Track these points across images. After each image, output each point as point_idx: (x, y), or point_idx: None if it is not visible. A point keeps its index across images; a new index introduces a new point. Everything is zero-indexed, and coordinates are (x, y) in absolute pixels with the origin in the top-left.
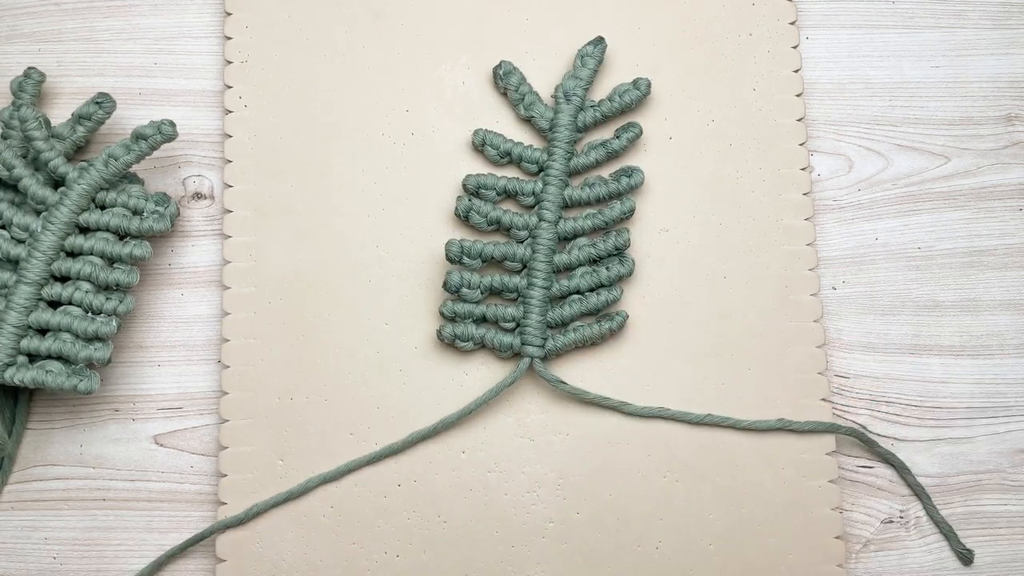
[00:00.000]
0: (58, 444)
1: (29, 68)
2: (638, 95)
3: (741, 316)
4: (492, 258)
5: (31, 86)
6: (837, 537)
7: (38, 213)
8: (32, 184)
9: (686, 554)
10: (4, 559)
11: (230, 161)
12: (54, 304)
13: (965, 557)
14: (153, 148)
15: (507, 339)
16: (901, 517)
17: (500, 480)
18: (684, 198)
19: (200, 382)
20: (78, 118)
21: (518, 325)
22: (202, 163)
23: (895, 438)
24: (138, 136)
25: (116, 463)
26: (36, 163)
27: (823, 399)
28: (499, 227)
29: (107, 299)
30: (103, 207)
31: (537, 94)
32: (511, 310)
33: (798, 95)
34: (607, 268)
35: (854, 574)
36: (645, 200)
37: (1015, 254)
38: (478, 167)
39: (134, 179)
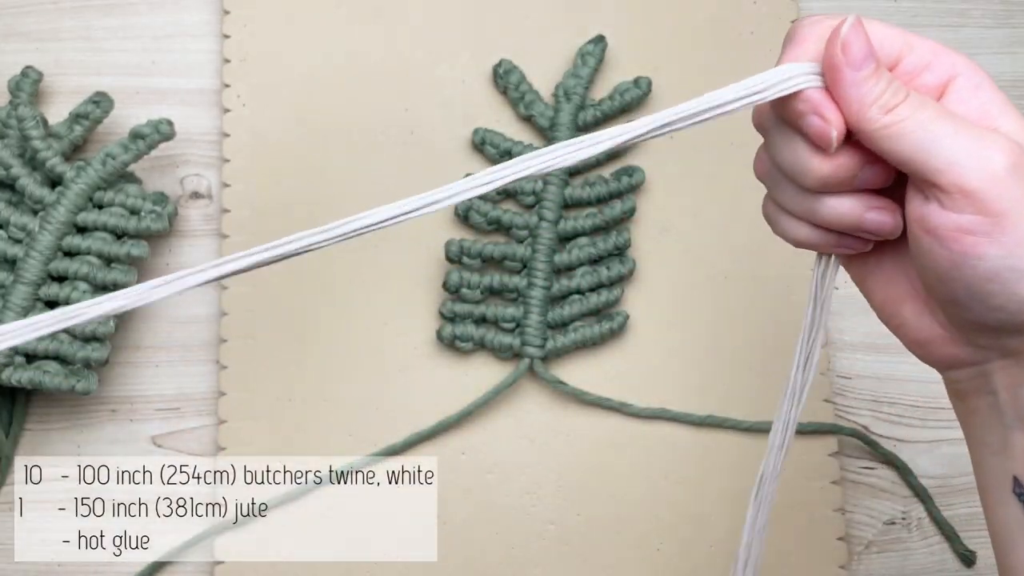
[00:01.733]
0: (56, 445)
1: (26, 67)
2: (639, 94)
3: (742, 316)
4: (492, 258)
5: (28, 85)
6: (839, 539)
7: (35, 213)
8: (29, 183)
9: (687, 555)
10: (2, 560)
11: (228, 160)
12: (51, 304)
13: (967, 558)
14: (151, 147)
15: (507, 339)
16: (903, 519)
17: (500, 481)
18: (685, 197)
19: (198, 383)
20: (75, 117)
21: (518, 325)
22: (200, 162)
23: (897, 439)
24: (136, 135)
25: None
26: (33, 162)
27: (825, 400)
28: (499, 227)
29: None
30: (101, 207)
31: (537, 93)
32: (511, 310)
33: None
34: (607, 268)
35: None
36: (646, 199)
37: None
38: (478, 166)
39: (132, 178)
